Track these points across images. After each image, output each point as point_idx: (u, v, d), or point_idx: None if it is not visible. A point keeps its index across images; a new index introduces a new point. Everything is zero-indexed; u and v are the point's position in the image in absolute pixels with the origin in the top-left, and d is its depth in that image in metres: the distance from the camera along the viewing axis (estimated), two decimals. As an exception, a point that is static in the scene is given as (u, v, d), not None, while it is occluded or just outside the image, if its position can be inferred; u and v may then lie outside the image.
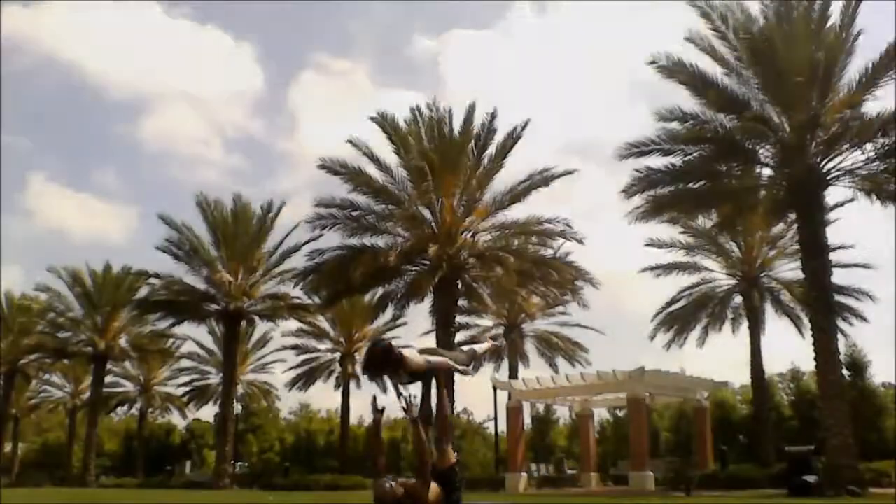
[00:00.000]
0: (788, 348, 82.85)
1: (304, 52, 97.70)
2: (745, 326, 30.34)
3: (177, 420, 58.47)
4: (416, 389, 5.05)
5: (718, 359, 74.38)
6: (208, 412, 53.14)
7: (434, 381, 5.16)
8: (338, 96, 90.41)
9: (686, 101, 20.09)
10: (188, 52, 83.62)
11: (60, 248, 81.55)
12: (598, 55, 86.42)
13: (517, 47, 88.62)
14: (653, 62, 19.54)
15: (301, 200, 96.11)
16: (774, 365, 48.72)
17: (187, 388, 50.17)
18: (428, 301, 24.64)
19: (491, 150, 24.23)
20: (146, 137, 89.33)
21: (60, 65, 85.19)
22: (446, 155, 23.63)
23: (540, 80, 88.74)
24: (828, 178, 19.39)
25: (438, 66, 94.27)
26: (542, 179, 24.04)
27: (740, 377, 50.98)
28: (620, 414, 39.73)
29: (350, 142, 24.11)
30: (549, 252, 24.94)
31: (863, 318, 28.89)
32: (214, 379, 47.12)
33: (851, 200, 20.71)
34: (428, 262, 23.37)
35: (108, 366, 43.98)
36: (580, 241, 23.93)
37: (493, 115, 23.96)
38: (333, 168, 24.04)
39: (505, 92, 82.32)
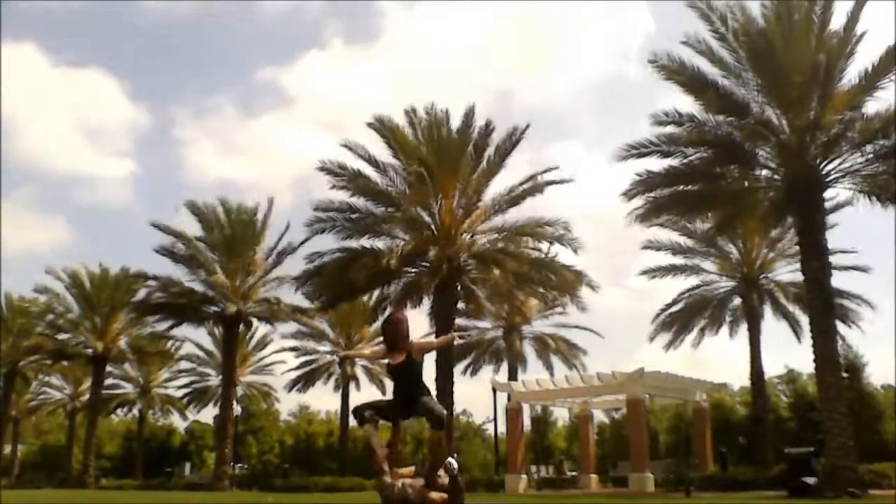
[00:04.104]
0: (784, 350, 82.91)
1: (178, 89, 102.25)
2: (743, 328, 30.38)
3: (177, 422, 58.59)
4: None
5: (716, 361, 74.45)
6: (208, 414, 53.17)
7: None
8: (217, 126, 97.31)
9: (685, 102, 20.11)
10: (71, 92, 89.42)
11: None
12: (445, 63, 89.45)
13: (356, 63, 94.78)
14: (653, 61, 19.46)
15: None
16: (769, 367, 48.67)
17: (187, 390, 50.27)
18: (427, 303, 24.65)
19: (490, 151, 24.25)
20: (47, 165, 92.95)
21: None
22: (444, 157, 23.60)
23: (388, 91, 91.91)
24: (827, 179, 19.36)
25: (287, 89, 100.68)
26: (540, 184, 24.05)
27: (738, 379, 51.00)
28: (617, 416, 39.75)
29: (345, 146, 24.10)
30: (548, 254, 24.91)
31: (858, 325, 29.16)
32: (214, 381, 47.16)
33: (849, 201, 20.77)
34: (428, 264, 23.33)
35: (108, 368, 43.99)
36: (575, 251, 23.97)
37: (489, 124, 24.02)
38: (332, 170, 24.02)
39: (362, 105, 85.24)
